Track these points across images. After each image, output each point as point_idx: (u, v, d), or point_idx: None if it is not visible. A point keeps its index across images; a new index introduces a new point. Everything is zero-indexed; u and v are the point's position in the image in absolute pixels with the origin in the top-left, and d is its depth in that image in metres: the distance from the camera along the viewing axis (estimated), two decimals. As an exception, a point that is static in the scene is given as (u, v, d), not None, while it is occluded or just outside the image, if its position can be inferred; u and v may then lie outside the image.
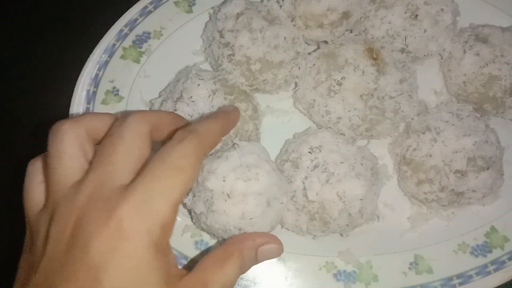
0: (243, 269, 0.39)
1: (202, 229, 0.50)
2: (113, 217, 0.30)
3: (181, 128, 0.38)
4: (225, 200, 0.44)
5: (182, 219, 0.52)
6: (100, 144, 0.36)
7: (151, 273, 0.31)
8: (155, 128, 0.37)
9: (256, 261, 0.41)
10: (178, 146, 0.34)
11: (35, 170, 0.37)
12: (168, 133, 0.40)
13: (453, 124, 0.52)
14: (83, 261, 0.30)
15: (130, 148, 0.34)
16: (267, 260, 0.43)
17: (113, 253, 0.30)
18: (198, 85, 0.51)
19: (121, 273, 0.30)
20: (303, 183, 0.49)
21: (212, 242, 0.52)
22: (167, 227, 0.32)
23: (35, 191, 0.35)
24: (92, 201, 0.32)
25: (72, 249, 0.31)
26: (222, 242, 0.47)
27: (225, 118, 0.43)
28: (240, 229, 0.44)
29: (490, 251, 0.51)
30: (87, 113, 0.55)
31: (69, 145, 0.34)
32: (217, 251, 0.39)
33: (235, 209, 0.44)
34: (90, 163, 0.35)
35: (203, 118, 0.41)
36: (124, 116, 0.37)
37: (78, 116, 0.38)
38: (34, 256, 0.32)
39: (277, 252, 0.43)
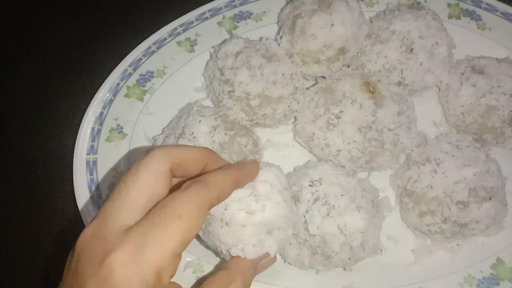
0: (246, 287, 0.41)
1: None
2: (106, 262, 0.30)
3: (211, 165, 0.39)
4: (222, 227, 0.43)
5: (183, 255, 0.52)
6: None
7: None
8: (178, 165, 0.36)
9: (255, 274, 0.43)
10: (181, 194, 0.34)
11: None
12: (197, 171, 0.38)
13: (453, 155, 0.52)
14: None
15: (141, 187, 0.34)
16: None
17: None
18: (200, 121, 0.53)
19: None
20: (304, 216, 0.49)
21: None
22: (163, 275, 0.32)
23: None
24: (92, 238, 0.32)
25: (73, 285, 0.32)
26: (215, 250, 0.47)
27: (239, 170, 0.41)
28: (230, 253, 0.43)
29: (498, 284, 0.50)
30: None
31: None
32: (219, 276, 0.39)
33: (229, 238, 0.42)
34: None
35: (218, 168, 0.40)
36: (146, 151, 0.36)
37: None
38: None
39: (272, 262, 0.45)
